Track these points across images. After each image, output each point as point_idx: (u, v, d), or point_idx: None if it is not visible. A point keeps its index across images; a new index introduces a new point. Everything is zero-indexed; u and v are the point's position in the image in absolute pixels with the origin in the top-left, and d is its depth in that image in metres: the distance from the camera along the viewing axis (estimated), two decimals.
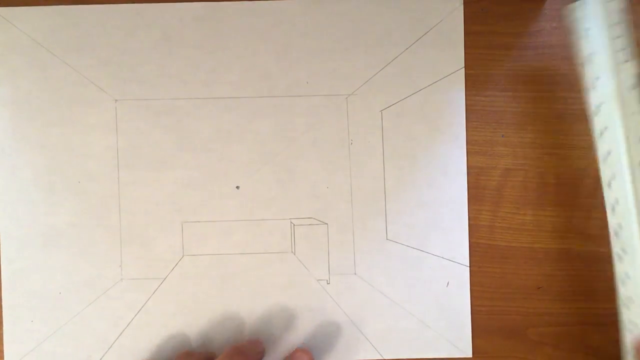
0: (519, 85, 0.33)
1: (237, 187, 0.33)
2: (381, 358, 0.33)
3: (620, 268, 0.28)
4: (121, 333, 0.33)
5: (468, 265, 0.33)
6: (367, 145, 0.33)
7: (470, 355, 0.33)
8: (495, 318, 0.33)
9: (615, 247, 0.28)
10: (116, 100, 0.33)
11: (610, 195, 0.28)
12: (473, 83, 0.33)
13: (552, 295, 0.33)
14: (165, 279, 0.33)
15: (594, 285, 0.33)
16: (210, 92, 0.33)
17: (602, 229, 0.33)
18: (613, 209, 0.28)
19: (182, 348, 0.33)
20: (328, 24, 0.33)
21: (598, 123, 0.27)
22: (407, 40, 0.33)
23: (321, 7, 0.33)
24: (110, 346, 0.33)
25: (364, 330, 0.33)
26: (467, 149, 0.33)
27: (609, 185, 0.28)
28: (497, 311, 0.33)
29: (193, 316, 0.33)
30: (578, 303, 0.33)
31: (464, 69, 0.33)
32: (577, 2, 0.28)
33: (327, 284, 0.33)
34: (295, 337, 0.33)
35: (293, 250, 0.33)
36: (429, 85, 0.33)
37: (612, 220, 0.28)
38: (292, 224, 0.33)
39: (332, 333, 0.33)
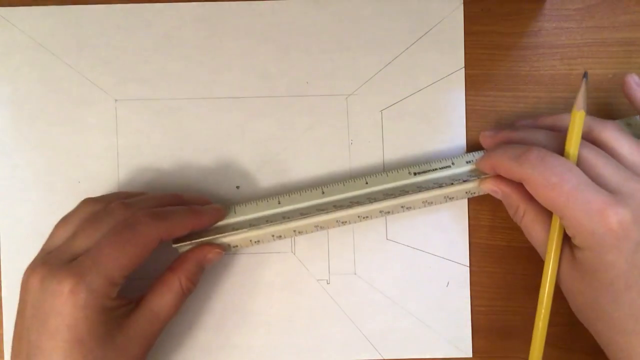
0: (519, 85, 0.33)
1: (237, 187, 0.33)
2: (381, 358, 0.33)
3: None
4: None
5: (468, 265, 0.33)
6: (367, 145, 0.33)
7: (470, 355, 0.33)
8: (495, 318, 0.33)
9: None
10: (116, 100, 0.33)
11: None
12: (473, 83, 0.33)
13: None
14: None
15: None
16: (210, 92, 0.33)
17: None
18: None
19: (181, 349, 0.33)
20: (328, 24, 0.33)
21: None
22: (407, 40, 0.33)
23: (321, 7, 0.33)
24: None
25: (363, 330, 0.33)
26: (467, 149, 0.33)
27: None
28: (497, 311, 0.33)
29: (193, 316, 0.33)
30: None
31: (464, 69, 0.33)
32: None
33: (327, 283, 0.33)
34: (295, 337, 0.33)
35: (293, 250, 0.33)
36: (429, 85, 0.33)
37: None
38: None
39: (331, 333, 0.33)
